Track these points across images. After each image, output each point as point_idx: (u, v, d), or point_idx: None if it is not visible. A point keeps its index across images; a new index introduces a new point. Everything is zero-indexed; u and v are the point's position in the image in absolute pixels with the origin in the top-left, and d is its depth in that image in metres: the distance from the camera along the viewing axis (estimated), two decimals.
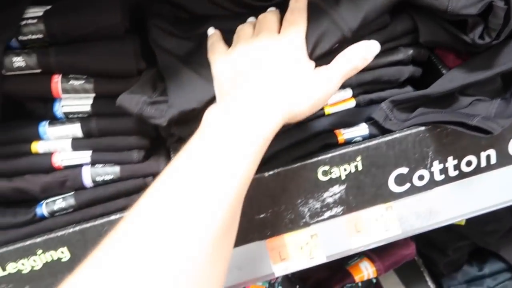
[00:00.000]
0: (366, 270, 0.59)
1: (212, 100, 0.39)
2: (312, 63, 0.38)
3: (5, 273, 0.40)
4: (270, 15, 0.41)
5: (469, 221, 0.59)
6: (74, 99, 0.41)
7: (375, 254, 0.60)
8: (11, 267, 0.39)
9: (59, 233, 0.39)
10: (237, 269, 0.43)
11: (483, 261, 0.60)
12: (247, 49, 0.39)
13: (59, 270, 0.40)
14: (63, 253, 0.40)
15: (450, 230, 0.60)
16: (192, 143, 0.32)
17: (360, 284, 0.59)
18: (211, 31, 0.44)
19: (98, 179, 0.42)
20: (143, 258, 0.26)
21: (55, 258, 0.40)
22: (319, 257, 0.43)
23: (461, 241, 0.60)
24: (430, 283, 0.58)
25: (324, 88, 0.37)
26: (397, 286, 0.65)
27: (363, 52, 0.37)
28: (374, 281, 0.61)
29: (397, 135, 0.41)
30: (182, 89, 0.39)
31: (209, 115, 0.35)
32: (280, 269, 0.43)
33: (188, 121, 0.39)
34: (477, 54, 0.43)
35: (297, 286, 0.57)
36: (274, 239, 0.43)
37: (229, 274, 0.43)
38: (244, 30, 0.41)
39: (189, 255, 0.27)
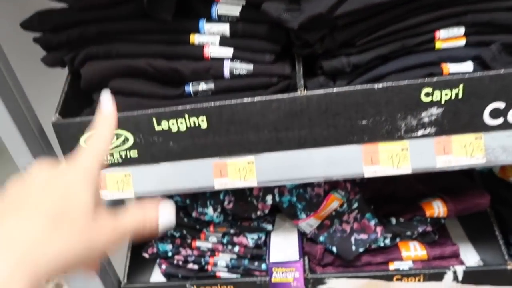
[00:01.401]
0: (437, 208, 0.64)
1: (336, 5, 0.45)
2: (99, 205, 0.30)
3: (159, 128, 0.52)
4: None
5: None
6: (228, 4, 0.51)
7: (449, 197, 0.65)
8: (164, 125, 0.52)
9: (203, 105, 0.50)
10: (332, 164, 0.51)
11: None
12: (20, 185, 0.30)
13: (196, 134, 0.52)
14: (203, 121, 0.51)
15: None
16: None
17: (429, 220, 0.64)
18: None
19: (235, 72, 0.53)
20: None
21: (196, 124, 0.51)
22: (405, 168, 0.50)
23: None
24: (498, 233, 0.62)
25: (102, 239, 0.29)
26: (460, 232, 0.70)
27: (148, 212, 0.32)
28: (443, 221, 0.66)
29: (502, 71, 0.45)
30: None
31: None
32: (370, 171, 0.50)
33: (315, 28, 0.47)
34: None
35: (372, 207, 0.64)
36: (370, 145, 0.50)
37: (327, 168, 0.52)
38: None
39: None
